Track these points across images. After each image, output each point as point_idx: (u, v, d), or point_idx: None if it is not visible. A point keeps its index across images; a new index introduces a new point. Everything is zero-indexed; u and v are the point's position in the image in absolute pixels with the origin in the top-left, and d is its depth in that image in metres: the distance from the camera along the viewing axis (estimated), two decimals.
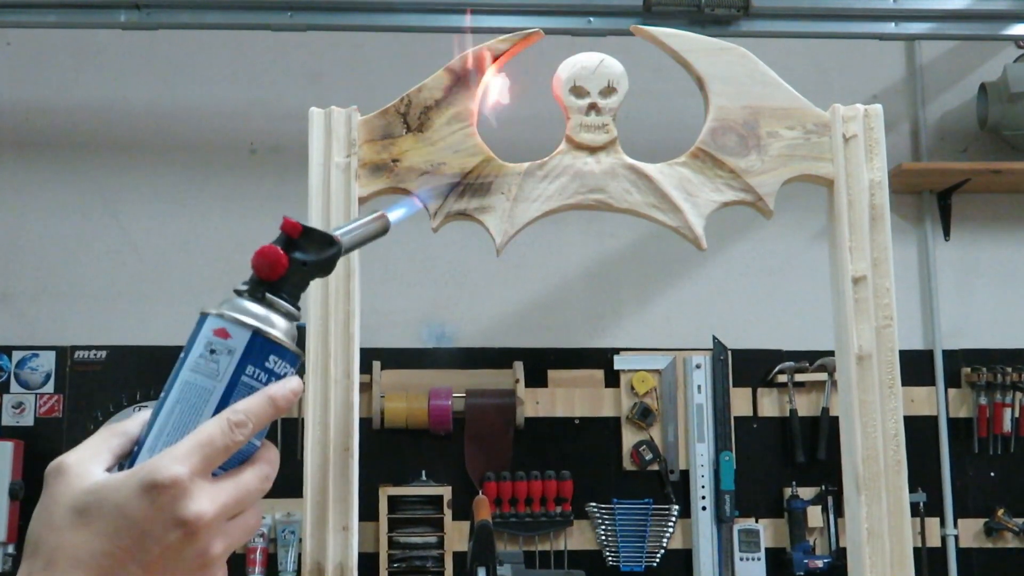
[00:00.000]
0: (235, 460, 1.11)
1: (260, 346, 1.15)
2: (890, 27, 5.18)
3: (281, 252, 1.20)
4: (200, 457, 1.05)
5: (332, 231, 1.28)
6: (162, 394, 1.14)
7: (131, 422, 1.13)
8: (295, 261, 1.22)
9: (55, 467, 1.07)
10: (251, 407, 1.11)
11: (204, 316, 1.16)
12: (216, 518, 1.04)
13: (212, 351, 1.14)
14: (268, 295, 1.19)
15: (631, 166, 2.01)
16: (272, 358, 1.16)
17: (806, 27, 5.16)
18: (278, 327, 1.17)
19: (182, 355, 1.16)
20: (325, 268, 1.25)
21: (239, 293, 1.19)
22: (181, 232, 5.57)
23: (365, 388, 5.28)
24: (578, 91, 2.03)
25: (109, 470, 1.07)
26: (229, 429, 1.08)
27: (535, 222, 2.01)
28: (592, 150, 2.01)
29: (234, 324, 1.15)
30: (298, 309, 1.22)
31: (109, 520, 1.02)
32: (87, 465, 1.06)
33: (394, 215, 1.40)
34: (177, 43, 5.59)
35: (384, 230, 1.37)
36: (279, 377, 1.16)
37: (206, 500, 1.04)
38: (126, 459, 1.10)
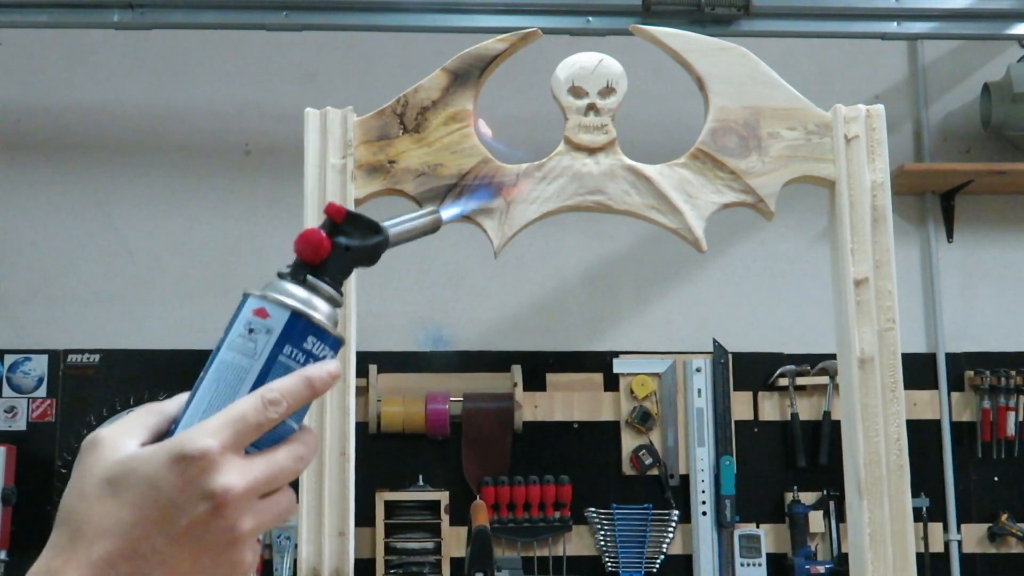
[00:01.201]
0: (270, 440, 1.11)
1: (299, 326, 1.15)
2: (892, 26, 5.18)
3: (324, 235, 1.21)
4: (231, 432, 1.05)
5: (381, 222, 1.28)
6: (200, 374, 1.14)
7: (170, 401, 1.14)
8: (338, 246, 1.22)
9: (90, 440, 1.08)
10: (286, 386, 1.11)
11: (245, 296, 1.18)
12: (245, 493, 1.04)
13: (251, 330, 1.15)
14: (310, 277, 1.19)
15: (630, 167, 2.01)
16: (311, 339, 1.16)
17: (807, 26, 5.16)
18: (319, 309, 1.18)
19: (222, 336, 1.16)
20: (370, 256, 1.25)
21: (281, 276, 1.20)
22: (175, 234, 5.57)
23: (361, 392, 5.27)
24: (577, 91, 2.03)
25: (144, 445, 1.07)
26: (263, 406, 1.08)
27: (533, 224, 2.01)
28: (591, 151, 2.01)
29: (273, 304, 1.16)
30: (341, 295, 1.22)
31: (137, 491, 1.02)
32: (121, 439, 1.07)
33: (447, 213, 1.40)
34: (171, 43, 5.59)
35: (435, 227, 1.37)
36: (317, 359, 1.16)
37: (235, 474, 1.04)
38: (163, 437, 1.10)
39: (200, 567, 1.04)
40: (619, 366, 5.58)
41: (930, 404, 5.61)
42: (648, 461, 5.50)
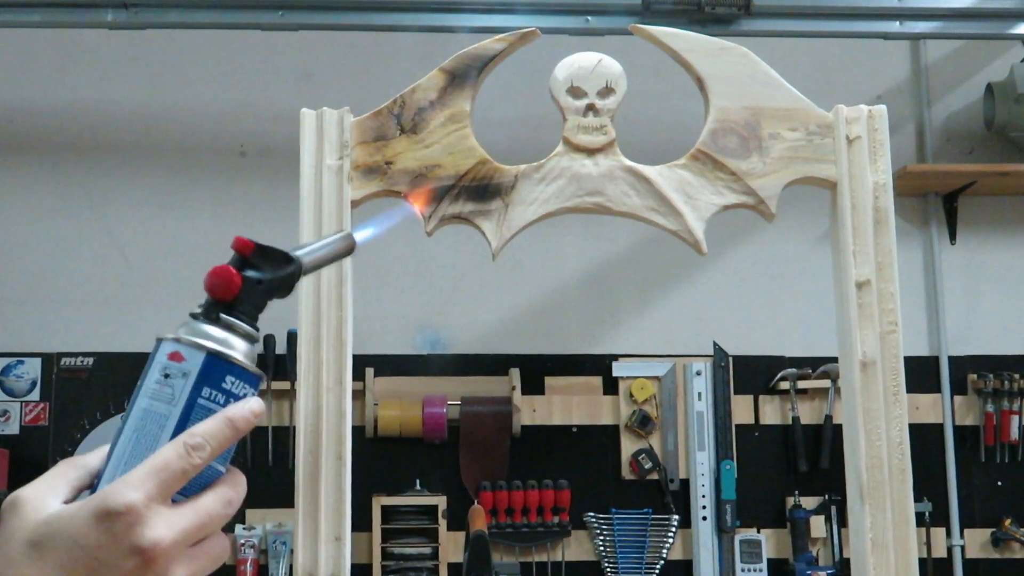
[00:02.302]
0: (196, 486, 1.10)
1: (216, 367, 1.14)
2: (895, 26, 5.18)
3: (234, 271, 1.20)
4: (156, 483, 1.04)
5: (292, 251, 1.27)
6: (120, 424, 1.13)
7: (91, 455, 1.13)
8: (249, 280, 1.21)
9: (10, 502, 1.06)
10: (209, 429, 1.10)
11: (159, 342, 1.16)
12: (175, 544, 1.03)
13: (167, 375, 1.13)
14: (223, 316, 1.18)
15: (630, 168, 2.01)
16: (229, 379, 1.15)
17: (808, 26, 5.17)
18: (235, 348, 1.17)
19: (139, 383, 1.15)
20: (284, 287, 1.25)
21: (194, 316, 1.18)
22: (169, 236, 5.56)
23: (358, 395, 5.28)
24: (575, 92, 2.03)
25: (67, 503, 1.06)
26: (186, 452, 1.07)
27: (532, 225, 2.01)
28: (590, 152, 2.01)
29: (188, 347, 1.14)
30: (256, 330, 1.21)
31: (64, 551, 1.01)
32: (43, 498, 1.06)
33: (361, 235, 1.39)
34: (165, 43, 5.59)
35: (350, 250, 1.36)
36: (238, 398, 1.15)
37: (163, 526, 1.03)
38: (86, 491, 1.10)
39: None
40: (618, 369, 5.58)
41: (933, 408, 5.61)
42: (648, 465, 5.50)
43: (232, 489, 1.12)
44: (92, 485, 1.10)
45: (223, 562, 1.11)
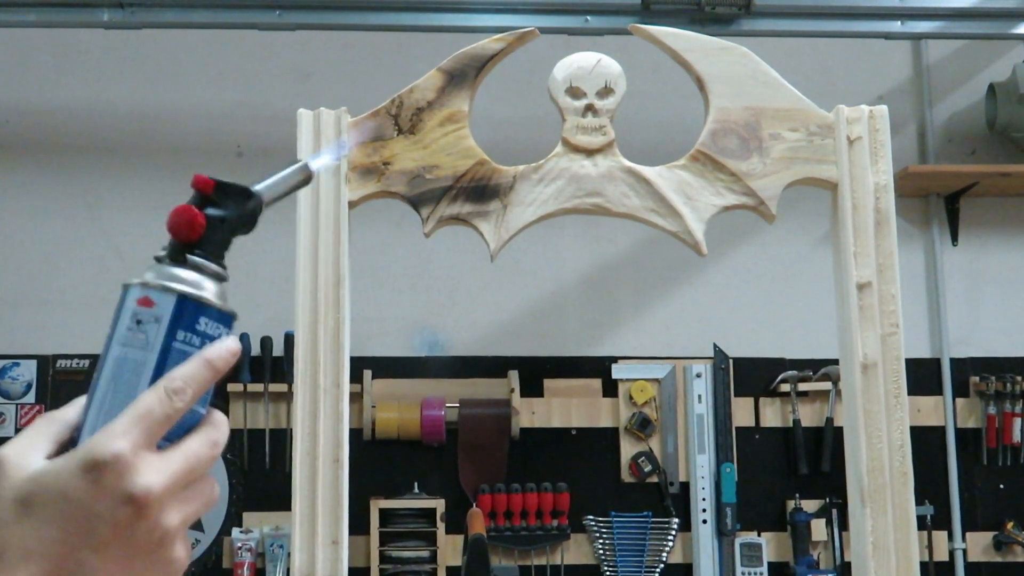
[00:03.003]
0: (180, 430, 1.09)
1: (188, 309, 1.14)
2: (896, 26, 5.18)
3: (196, 210, 1.20)
4: (141, 430, 1.04)
5: (251, 186, 1.27)
6: (95, 375, 1.12)
7: (68, 408, 1.12)
8: (212, 218, 1.21)
9: None
10: (188, 372, 1.09)
11: (126, 288, 1.16)
12: (166, 490, 1.03)
13: (138, 322, 1.13)
14: (190, 257, 1.19)
15: (629, 169, 2.01)
16: (203, 320, 1.15)
17: (809, 26, 5.17)
18: (206, 288, 1.17)
19: (109, 332, 1.15)
20: (247, 223, 1.25)
21: (159, 260, 1.19)
22: (165, 237, 5.54)
23: (355, 398, 5.27)
24: (574, 92, 2.03)
25: (50, 458, 1.05)
26: (167, 397, 1.06)
27: (530, 227, 2.02)
28: (589, 153, 2.02)
29: (157, 291, 1.14)
30: (224, 268, 1.22)
31: (54, 506, 1.01)
32: (26, 456, 1.05)
33: (316, 163, 1.39)
34: (162, 43, 5.59)
35: (307, 180, 1.36)
36: (213, 339, 1.15)
37: (153, 473, 1.02)
38: (68, 446, 1.08)
39: (132, 572, 1.03)
40: (618, 371, 5.58)
41: (934, 410, 5.61)
42: (647, 468, 5.50)
43: (216, 430, 1.12)
44: (73, 439, 1.09)
45: (214, 504, 1.11)
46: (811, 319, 5.50)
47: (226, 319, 1.18)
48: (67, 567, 1.00)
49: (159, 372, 1.10)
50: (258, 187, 1.28)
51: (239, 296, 4.92)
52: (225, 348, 1.13)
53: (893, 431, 1.93)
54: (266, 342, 5.36)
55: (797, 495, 5.49)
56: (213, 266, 1.20)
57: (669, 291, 5.70)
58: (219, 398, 5.38)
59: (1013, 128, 5.62)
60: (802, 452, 5.50)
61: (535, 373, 5.56)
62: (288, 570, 4.55)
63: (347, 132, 1.98)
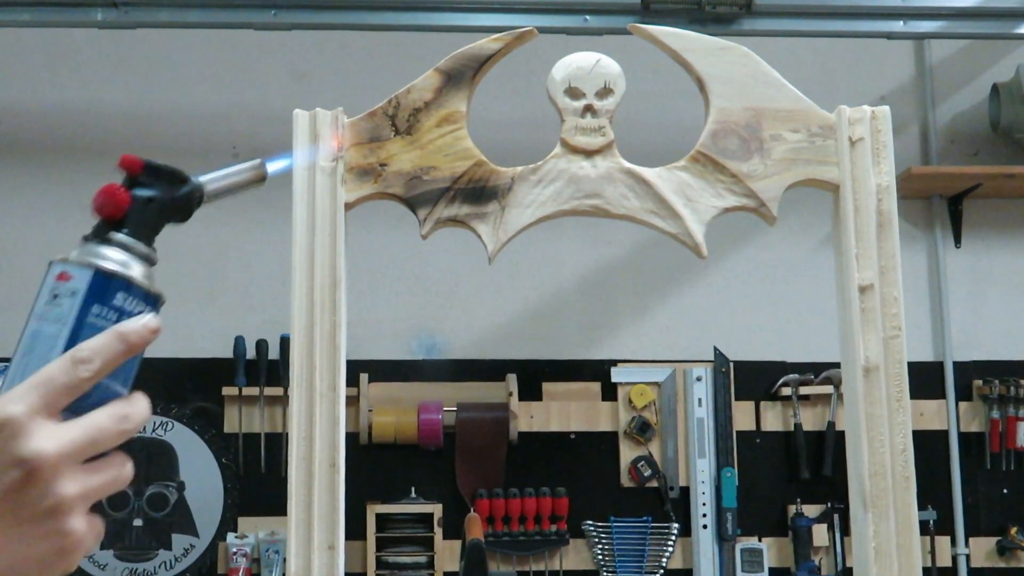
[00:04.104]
0: (89, 406, 1.07)
1: (104, 284, 1.13)
2: (898, 25, 5.18)
3: (121, 188, 1.20)
4: (38, 395, 1.03)
5: (195, 175, 1.27)
6: (13, 355, 1.12)
7: None
8: (139, 198, 1.21)
9: None
10: (96, 343, 1.07)
11: (49, 266, 1.15)
12: (60, 456, 1.01)
13: (55, 296, 1.12)
14: (113, 235, 1.18)
15: (628, 170, 2.01)
16: (120, 295, 1.14)
17: (811, 25, 5.17)
18: (129, 267, 1.16)
19: (30, 309, 1.14)
20: (179, 208, 1.24)
21: (84, 239, 1.18)
22: (160, 239, 5.54)
23: (352, 401, 5.27)
24: (573, 92, 2.03)
25: None
26: (71, 365, 1.05)
27: (529, 229, 2.02)
28: (588, 154, 2.02)
29: (75, 265, 1.13)
30: (152, 250, 1.21)
31: None
32: None
33: (274, 166, 1.38)
34: (156, 42, 5.59)
35: (260, 179, 1.36)
36: (132, 316, 1.14)
37: (47, 439, 1.01)
38: None
39: (23, 539, 1.01)
40: (617, 375, 5.58)
41: (937, 414, 5.61)
42: (647, 473, 5.50)
43: (129, 405, 1.10)
44: None
45: (123, 484, 1.09)
46: (812, 322, 5.50)
47: (151, 299, 1.17)
48: None
49: (71, 345, 1.09)
50: (201, 178, 1.27)
51: (234, 299, 4.94)
52: (141, 324, 1.11)
53: (895, 435, 1.93)
54: (261, 345, 5.36)
55: (798, 500, 5.49)
56: (140, 246, 1.19)
57: (669, 294, 5.71)
58: (214, 401, 5.38)
59: (1017, 129, 5.62)
60: (803, 456, 5.50)
61: (534, 376, 5.56)
62: None
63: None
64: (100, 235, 1.18)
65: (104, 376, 1.08)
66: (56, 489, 1.01)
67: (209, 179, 1.29)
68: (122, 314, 1.13)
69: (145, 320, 1.12)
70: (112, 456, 1.08)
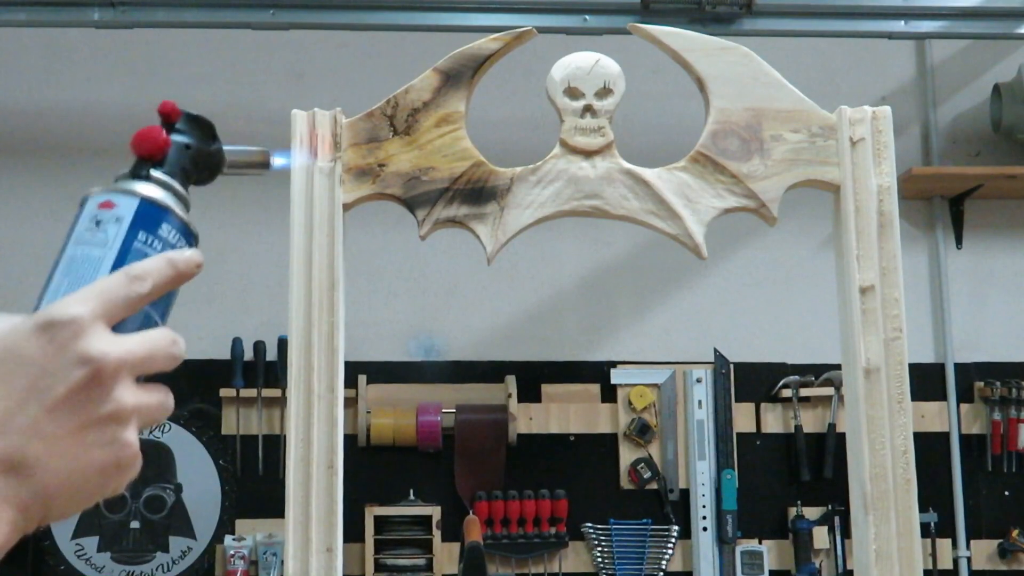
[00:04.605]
0: (134, 330, 1.06)
1: (152, 212, 1.13)
2: (900, 25, 5.18)
3: (162, 130, 1.22)
4: (99, 302, 1.01)
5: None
6: (45, 281, 1.11)
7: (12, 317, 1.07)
8: (177, 142, 1.23)
9: None
10: (149, 264, 1.07)
11: (85, 199, 1.15)
12: (122, 362, 1.00)
13: (98, 223, 1.12)
14: (154, 172, 1.18)
15: (628, 171, 2.01)
16: (165, 227, 1.14)
17: (811, 25, 5.17)
18: (167, 199, 1.16)
19: (63, 242, 1.13)
20: (208, 163, 1.27)
21: (120, 177, 1.18)
22: None
23: (350, 403, 5.27)
24: (573, 92, 2.03)
25: None
26: (127, 281, 1.04)
27: (528, 229, 2.02)
28: (587, 154, 2.02)
29: (119, 194, 1.14)
30: (187, 193, 1.22)
31: (5, 364, 0.98)
32: None
33: (277, 160, 1.39)
34: (153, 42, 5.59)
35: (263, 165, 1.38)
36: (174, 248, 1.14)
37: (109, 342, 1.00)
38: None
39: (85, 444, 0.99)
40: (617, 376, 5.57)
41: (938, 416, 5.61)
42: (647, 475, 5.50)
43: (174, 335, 1.08)
44: None
45: (168, 412, 1.07)
46: (813, 323, 5.50)
47: (190, 236, 1.18)
48: (14, 424, 0.97)
49: (117, 268, 1.09)
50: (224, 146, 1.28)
51: (232, 300, 4.94)
52: (190, 253, 1.12)
53: (896, 437, 1.93)
54: (259, 346, 5.36)
55: (799, 502, 5.48)
56: (178, 186, 1.20)
57: (669, 295, 5.70)
58: (211, 403, 5.38)
59: (1018, 129, 5.62)
60: (804, 458, 5.50)
61: (533, 378, 5.56)
62: None
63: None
64: (139, 173, 1.19)
65: (154, 299, 1.08)
66: (118, 395, 1.00)
67: (228, 149, 1.31)
68: (167, 245, 1.14)
69: (192, 252, 1.12)
70: (160, 387, 1.07)
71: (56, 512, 1.00)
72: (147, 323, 1.09)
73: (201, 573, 5.31)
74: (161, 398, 1.06)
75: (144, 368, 1.04)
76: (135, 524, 5.27)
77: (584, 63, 2.04)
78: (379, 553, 5.23)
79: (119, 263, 1.09)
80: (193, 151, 1.24)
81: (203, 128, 1.27)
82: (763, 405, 5.61)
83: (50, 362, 0.98)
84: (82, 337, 0.99)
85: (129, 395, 1.01)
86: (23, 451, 0.96)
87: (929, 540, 5.39)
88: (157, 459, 5.31)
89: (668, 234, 2.00)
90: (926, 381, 5.56)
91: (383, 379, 5.49)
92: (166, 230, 1.14)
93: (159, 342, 1.05)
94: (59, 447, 0.98)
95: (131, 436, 1.02)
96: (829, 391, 5.52)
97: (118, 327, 1.03)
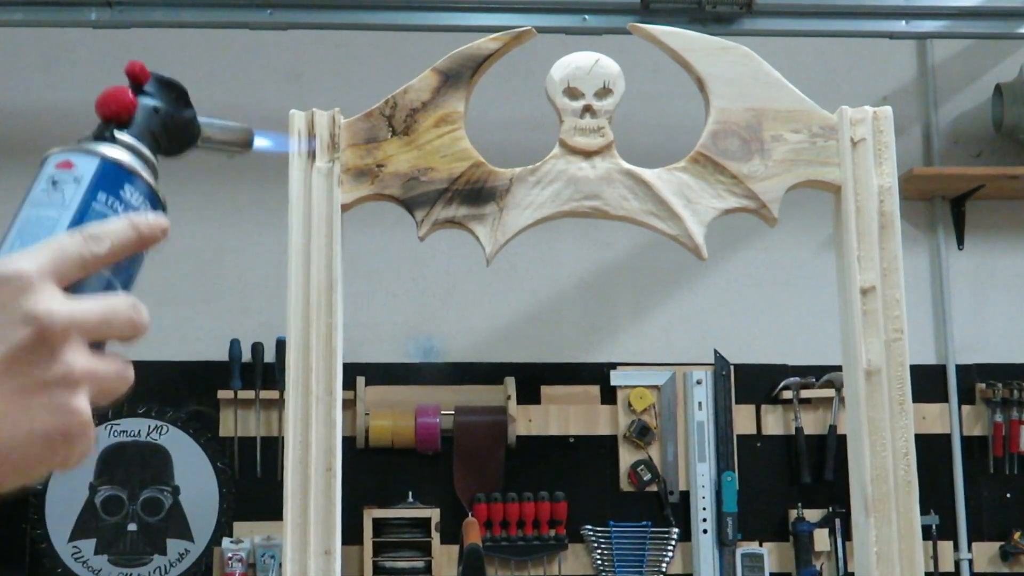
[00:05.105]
0: (92, 294, 1.00)
1: (111, 172, 1.08)
2: (901, 25, 5.19)
3: (127, 90, 1.16)
4: (49, 258, 0.95)
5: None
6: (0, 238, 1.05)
7: None
8: (145, 105, 1.17)
9: None
10: (107, 225, 1.00)
11: (44, 159, 1.09)
12: (72, 322, 0.94)
13: (55, 183, 1.06)
14: (118, 134, 1.13)
15: (628, 171, 2.01)
16: (128, 188, 1.08)
17: (812, 25, 5.17)
18: (132, 161, 1.11)
19: (18, 206, 1.07)
20: (179, 130, 1.22)
21: (82, 140, 1.12)
22: None
23: (348, 405, 5.27)
24: (572, 93, 2.03)
25: None
26: (82, 240, 0.97)
27: (527, 230, 2.02)
28: (587, 155, 2.02)
29: (79, 153, 1.08)
30: (156, 159, 1.16)
31: None
32: None
33: (260, 141, 1.37)
34: (150, 42, 5.58)
35: (245, 144, 1.34)
36: (137, 211, 1.08)
37: (58, 302, 0.94)
38: None
39: (28, 409, 0.94)
40: (616, 378, 5.57)
41: (940, 418, 5.60)
42: (647, 477, 5.50)
43: (136, 301, 1.01)
44: None
45: (126, 385, 1.01)
46: (814, 324, 5.50)
47: (156, 202, 1.12)
48: None
49: (74, 228, 1.03)
50: (200, 117, 1.24)
51: (230, 301, 4.94)
52: (155, 217, 1.03)
53: (897, 439, 1.93)
54: (257, 348, 5.35)
55: (799, 504, 5.49)
56: (144, 149, 1.14)
57: (669, 296, 5.71)
58: (209, 405, 5.38)
59: (1020, 130, 5.62)
60: (804, 460, 5.50)
61: (532, 380, 5.56)
62: None
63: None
64: (103, 134, 1.13)
65: (112, 261, 1.01)
66: (65, 357, 0.94)
67: (205, 120, 1.26)
68: (129, 208, 1.08)
69: (157, 217, 1.04)
70: (117, 357, 1.01)
71: None
72: (108, 292, 1.04)
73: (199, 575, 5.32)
74: (119, 368, 1.00)
75: (100, 333, 0.98)
76: (132, 526, 5.27)
77: (584, 63, 2.04)
78: (378, 556, 5.23)
79: (76, 224, 1.04)
80: (163, 115, 1.19)
81: (175, 92, 1.22)
82: (763, 407, 5.61)
83: None
84: (28, 293, 0.93)
85: (80, 359, 0.95)
86: None
87: (930, 542, 5.39)
88: (154, 461, 5.31)
89: (668, 235, 2.00)
90: (927, 383, 5.56)
91: (382, 381, 5.49)
92: (129, 192, 1.09)
93: (117, 306, 0.99)
94: (2, 409, 0.93)
95: (81, 403, 0.97)
96: (830, 393, 5.52)
97: (74, 292, 0.98)
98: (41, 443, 0.95)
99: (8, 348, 0.92)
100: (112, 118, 1.14)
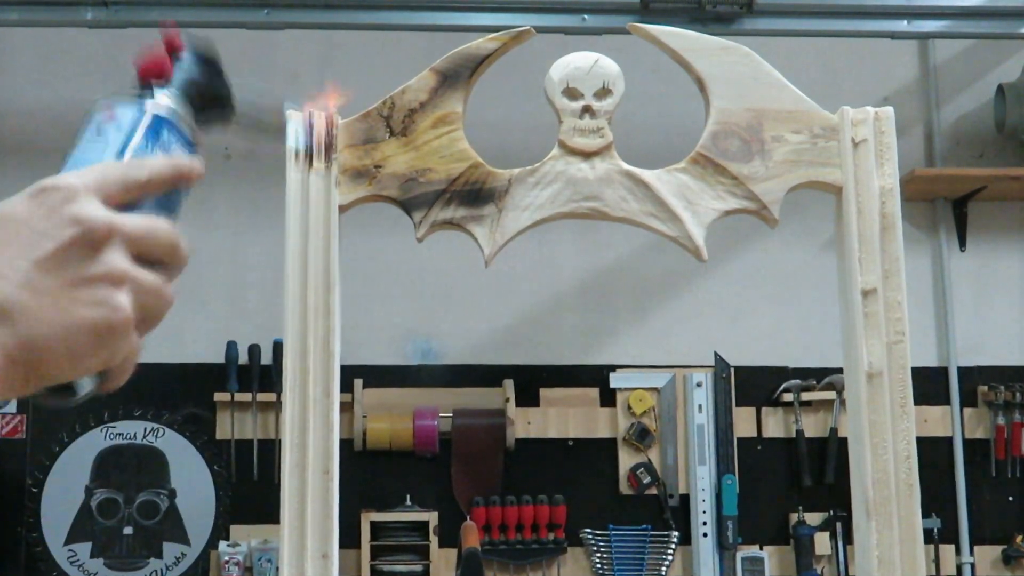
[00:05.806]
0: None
1: (151, 120, 1.18)
2: (902, 25, 5.19)
3: (167, 57, 1.27)
4: (94, 176, 1.06)
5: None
6: None
7: None
8: (181, 68, 1.29)
9: None
10: (147, 159, 1.13)
11: (90, 110, 1.20)
12: (113, 227, 1.03)
13: (99, 131, 1.16)
14: (157, 90, 1.24)
15: (628, 172, 2.01)
16: (166, 133, 1.19)
17: (813, 25, 5.18)
18: (170, 111, 1.21)
19: (65, 153, 1.18)
20: (216, 96, 1.32)
21: (125, 93, 1.23)
22: None
23: (346, 408, 5.27)
24: (571, 93, 2.03)
25: None
26: (125, 166, 1.09)
27: (526, 231, 2.02)
28: (586, 155, 2.01)
29: (122, 104, 1.19)
30: (192, 117, 1.26)
31: None
32: None
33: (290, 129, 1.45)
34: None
35: (275, 129, 1.42)
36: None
37: (102, 209, 1.04)
38: None
39: (74, 301, 1.02)
40: (616, 381, 5.57)
41: (941, 420, 5.61)
42: (646, 480, 5.50)
43: (179, 232, 1.11)
44: None
45: (167, 300, 1.08)
46: (815, 327, 5.50)
47: (192, 148, 1.22)
48: (6, 274, 1.00)
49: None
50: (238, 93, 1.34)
51: (227, 303, 4.94)
52: (190, 159, 1.15)
53: (899, 442, 1.93)
54: (254, 350, 5.36)
55: (800, 508, 5.49)
56: (179, 104, 1.24)
57: (669, 298, 5.71)
58: (206, 408, 5.38)
59: (1022, 130, 5.62)
60: (805, 463, 5.50)
61: (531, 382, 5.56)
62: None
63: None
64: (143, 90, 1.24)
65: (151, 190, 1.10)
66: (107, 257, 1.03)
67: (242, 97, 1.36)
68: (166, 150, 1.19)
69: (193, 159, 1.16)
70: (159, 280, 1.08)
71: (50, 369, 1.02)
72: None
73: None
74: (159, 283, 1.07)
75: (141, 245, 1.06)
76: (128, 530, 5.27)
77: (583, 63, 2.04)
78: (375, 559, 5.23)
79: (118, 157, 1.15)
80: (197, 79, 1.29)
81: (210, 64, 1.32)
82: (764, 409, 5.61)
83: (40, 222, 1.02)
84: (73, 200, 1.03)
85: (121, 260, 1.03)
86: (8, 298, 0.99)
87: (932, 546, 5.40)
88: (151, 464, 5.31)
89: (668, 236, 2.00)
90: (929, 385, 5.56)
91: (379, 383, 5.49)
92: (167, 136, 1.19)
93: (158, 225, 1.08)
94: (47, 300, 1.01)
95: (122, 300, 1.03)
96: (831, 395, 5.52)
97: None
98: (88, 333, 1.02)
99: (56, 245, 1.01)
100: (151, 77, 1.25)
